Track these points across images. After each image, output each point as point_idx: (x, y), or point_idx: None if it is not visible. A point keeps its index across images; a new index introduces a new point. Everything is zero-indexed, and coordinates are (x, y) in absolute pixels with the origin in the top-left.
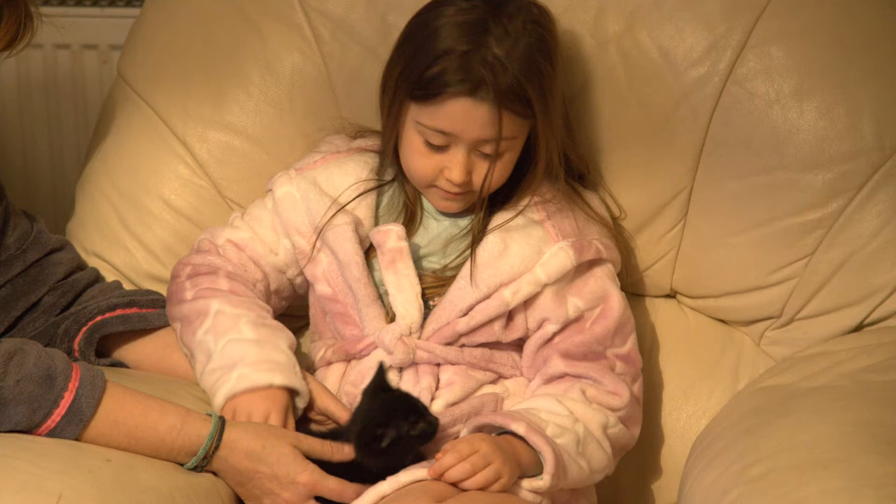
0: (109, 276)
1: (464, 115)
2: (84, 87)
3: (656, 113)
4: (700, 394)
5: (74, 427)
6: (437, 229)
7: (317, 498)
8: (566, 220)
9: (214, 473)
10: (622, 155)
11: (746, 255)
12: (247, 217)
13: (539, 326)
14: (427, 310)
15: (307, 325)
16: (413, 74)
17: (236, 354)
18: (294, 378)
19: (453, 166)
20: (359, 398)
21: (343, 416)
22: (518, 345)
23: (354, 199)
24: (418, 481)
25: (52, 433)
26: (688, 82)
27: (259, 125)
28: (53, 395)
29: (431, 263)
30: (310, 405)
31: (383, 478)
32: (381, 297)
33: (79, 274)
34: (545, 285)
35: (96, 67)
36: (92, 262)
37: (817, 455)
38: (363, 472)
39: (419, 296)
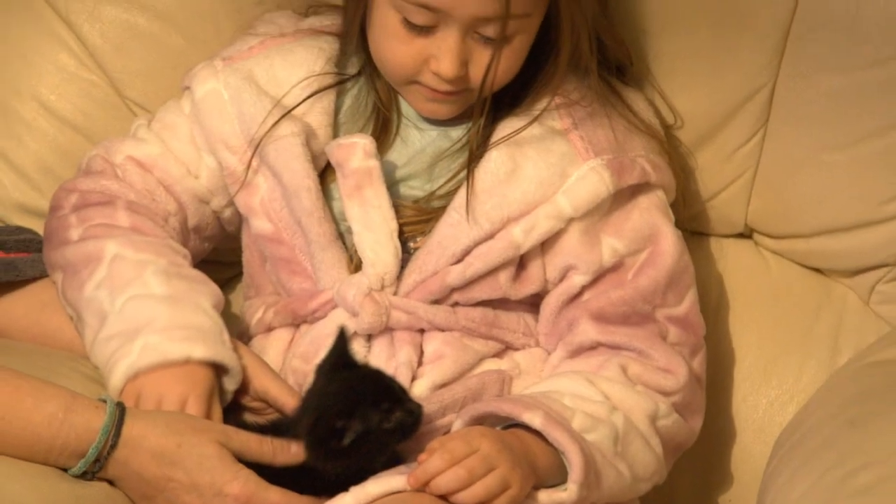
0: None
1: None
2: None
3: None
4: (786, 371)
5: None
6: (420, 143)
7: None
8: (600, 129)
9: (110, 482)
10: (678, 40)
11: (850, 177)
12: (155, 126)
13: (563, 277)
14: (406, 254)
15: (240, 275)
16: None
17: (141, 317)
18: (221, 349)
19: (442, 55)
20: (311, 378)
21: (289, 402)
22: (533, 303)
23: (305, 100)
24: (393, 493)
25: None
26: None
27: None
28: None
29: (413, 190)
30: (243, 387)
31: (345, 488)
32: (343, 236)
33: None
34: (571, 220)
35: None
36: None
37: None
38: (317, 480)
39: (395, 234)
